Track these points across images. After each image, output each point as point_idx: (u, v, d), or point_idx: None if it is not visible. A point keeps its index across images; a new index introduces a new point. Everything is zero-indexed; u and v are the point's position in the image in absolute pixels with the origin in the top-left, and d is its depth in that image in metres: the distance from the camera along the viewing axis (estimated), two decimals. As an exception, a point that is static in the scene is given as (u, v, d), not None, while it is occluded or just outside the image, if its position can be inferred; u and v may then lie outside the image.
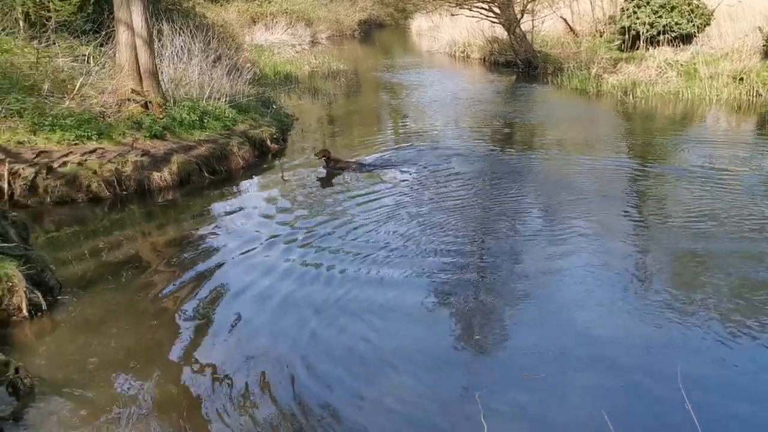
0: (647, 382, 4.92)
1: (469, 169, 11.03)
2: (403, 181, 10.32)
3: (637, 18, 19.90)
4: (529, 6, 23.31)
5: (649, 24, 19.66)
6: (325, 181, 10.54)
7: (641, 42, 19.88)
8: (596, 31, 24.19)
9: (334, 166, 10.94)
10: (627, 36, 20.42)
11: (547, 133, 14.13)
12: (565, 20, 25.19)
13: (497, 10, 23.24)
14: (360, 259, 7.23)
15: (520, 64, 23.20)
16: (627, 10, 20.46)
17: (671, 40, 19.49)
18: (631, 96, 17.06)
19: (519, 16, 22.93)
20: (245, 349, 5.55)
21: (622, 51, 20.58)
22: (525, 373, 5.07)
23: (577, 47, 23.07)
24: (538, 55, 22.94)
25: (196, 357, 5.48)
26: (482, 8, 23.62)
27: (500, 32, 25.07)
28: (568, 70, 19.79)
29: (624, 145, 12.73)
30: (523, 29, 23.37)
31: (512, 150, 12.50)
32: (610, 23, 23.58)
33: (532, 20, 24.02)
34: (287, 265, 7.19)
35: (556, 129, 14.41)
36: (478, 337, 5.67)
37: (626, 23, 20.34)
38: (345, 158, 11.44)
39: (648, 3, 19.78)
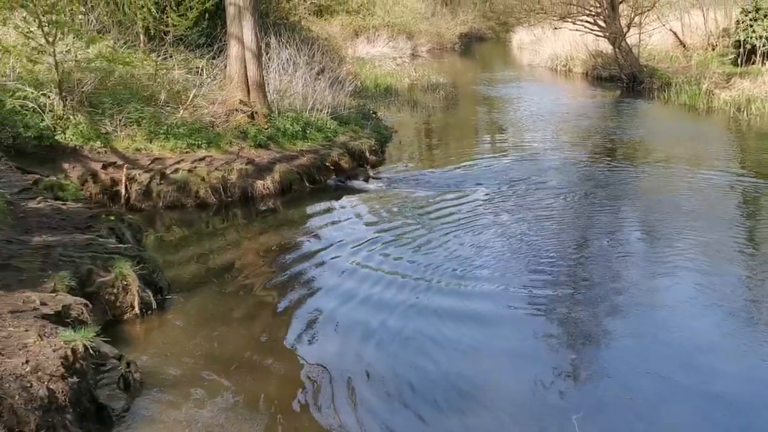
0: (759, 418, 4.67)
1: (567, 183, 10.82)
2: (500, 194, 10.22)
3: (753, 31, 18.95)
4: (637, 19, 22.60)
5: (766, 38, 18.66)
6: (333, 192, 10.78)
7: (757, 56, 18.90)
8: (708, 44, 23.18)
9: (343, 177, 11.19)
10: (742, 50, 19.47)
11: (652, 149, 13.65)
12: (674, 33, 24.28)
13: (602, 24, 22.70)
14: (453, 271, 7.24)
15: (625, 79, 22.51)
16: (743, 23, 19.51)
17: (790, 55, 18.45)
18: (745, 113, 16.21)
19: (625, 30, 22.28)
20: (343, 352, 5.67)
21: (736, 65, 19.62)
22: (629, 396, 4.91)
23: (686, 61, 22.18)
24: (644, 69, 22.19)
25: (299, 358, 5.64)
26: (587, 21, 23.14)
27: (604, 46, 24.45)
28: (676, 85, 19.04)
29: (736, 162, 12.13)
30: (629, 43, 22.68)
31: (614, 165, 12.16)
32: (723, 36, 22.55)
33: (639, 33, 23.23)
34: (384, 273, 7.28)
35: (662, 145, 13.89)
36: (573, 356, 5.54)
37: (741, 36, 19.42)
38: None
39: (766, 16, 18.80)
